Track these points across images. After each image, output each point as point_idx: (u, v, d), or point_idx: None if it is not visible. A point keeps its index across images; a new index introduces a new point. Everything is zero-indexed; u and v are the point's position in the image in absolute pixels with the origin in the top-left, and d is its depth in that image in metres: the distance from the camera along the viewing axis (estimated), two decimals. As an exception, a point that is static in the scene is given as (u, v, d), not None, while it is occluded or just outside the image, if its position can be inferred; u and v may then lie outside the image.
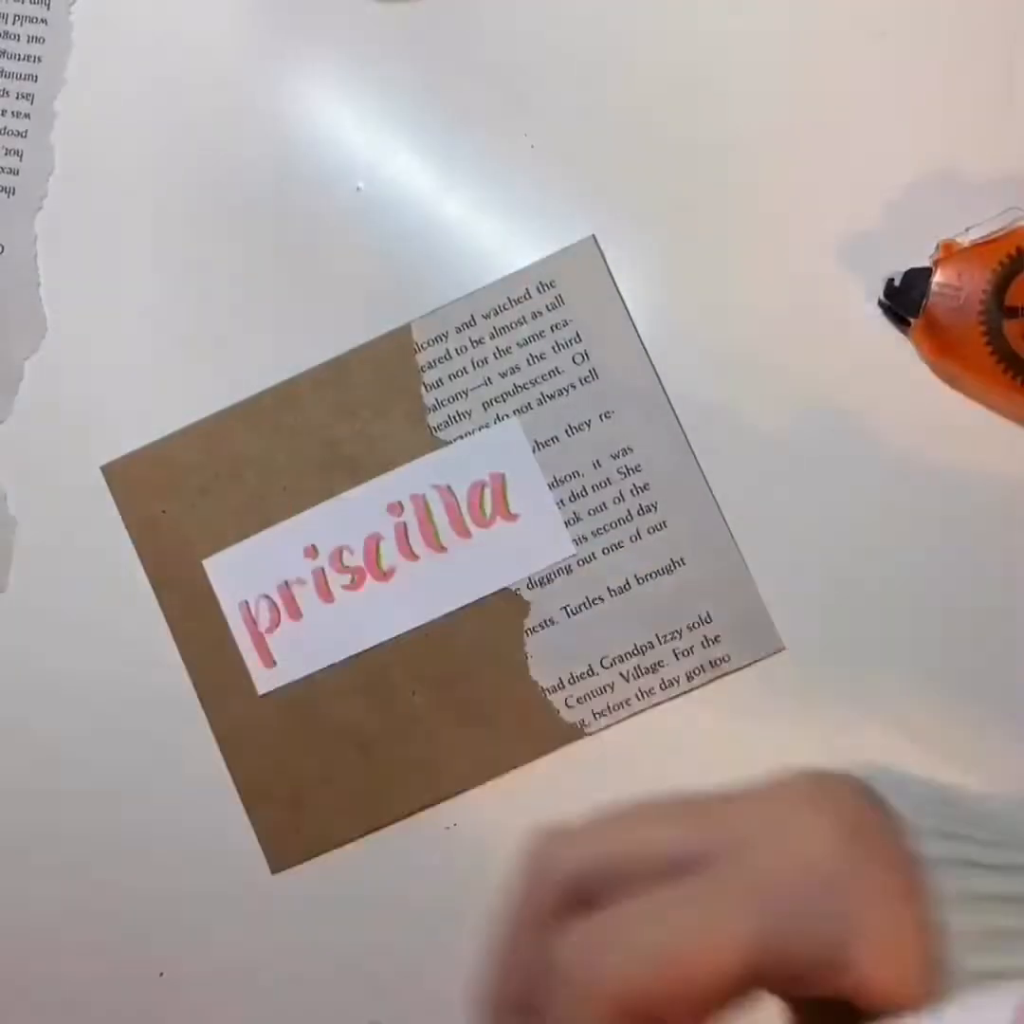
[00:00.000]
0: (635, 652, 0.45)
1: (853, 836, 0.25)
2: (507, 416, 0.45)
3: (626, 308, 0.45)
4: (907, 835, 0.25)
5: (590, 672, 0.45)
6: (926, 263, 0.43)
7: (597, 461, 0.45)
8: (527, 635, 0.45)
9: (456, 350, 0.45)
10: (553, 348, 0.45)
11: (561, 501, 0.45)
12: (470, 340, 0.45)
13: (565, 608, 0.45)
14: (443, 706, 0.45)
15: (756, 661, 0.45)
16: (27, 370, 0.47)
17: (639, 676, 0.45)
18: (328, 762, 0.46)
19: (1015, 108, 0.45)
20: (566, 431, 0.45)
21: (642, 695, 0.45)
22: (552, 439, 0.45)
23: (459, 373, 0.45)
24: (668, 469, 0.45)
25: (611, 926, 0.24)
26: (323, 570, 0.46)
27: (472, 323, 0.45)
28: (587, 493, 0.45)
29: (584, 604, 0.45)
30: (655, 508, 0.45)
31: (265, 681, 0.46)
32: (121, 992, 0.47)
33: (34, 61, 0.46)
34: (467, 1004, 0.26)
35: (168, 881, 0.46)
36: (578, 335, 0.45)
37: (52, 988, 0.47)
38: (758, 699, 0.45)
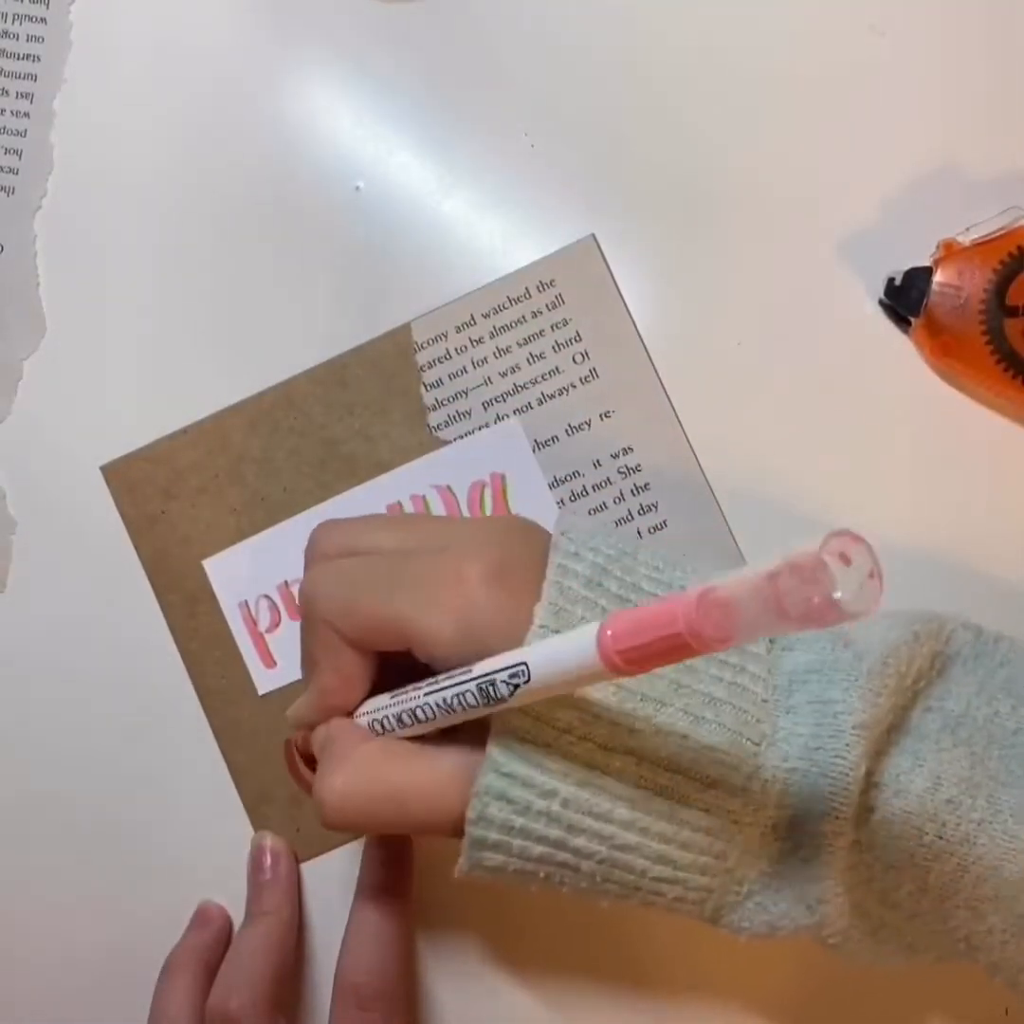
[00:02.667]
0: (635, 651, 0.45)
1: (500, 570, 0.33)
2: (507, 416, 0.45)
3: (626, 307, 0.45)
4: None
5: (590, 672, 0.45)
6: (926, 262, 0.43)
7: (597, 461, 0.45)
8: (527, 635, 0.45)
9: (456, 349, 0.45)
10: (553, 348, 0.45)
11: (561, 501, 0.45)
12: (470, 339, 0.45)
13: (565, 608, 0.45)
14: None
15: (756, 660, 0.45)
16: (27, 370, 0.47)
17: (639, 676, 0.45)
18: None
19: (1015, 108, 0.45)
20: (566, 431, 0.45)
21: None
22: (552, 439, 0.45)
23: (459, 372, 0.45)
24: (668, 469, 0.45)
25: (329, 571, 0.35)
26: (323, 570, 0.46)
27: (472, 322, 0.45)
28: (587, 493, 0.45)
29: (584, 604, 0.45)
30: (655, 508, 0.45)
31: (265, 681, 0.46)
32: (121, 992, 0.47)
33: (34, 61, 0.46)
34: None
35: (168, 881, 0.46)
36: (578, 334, 0.45)
37: (52, 987, 0.47)
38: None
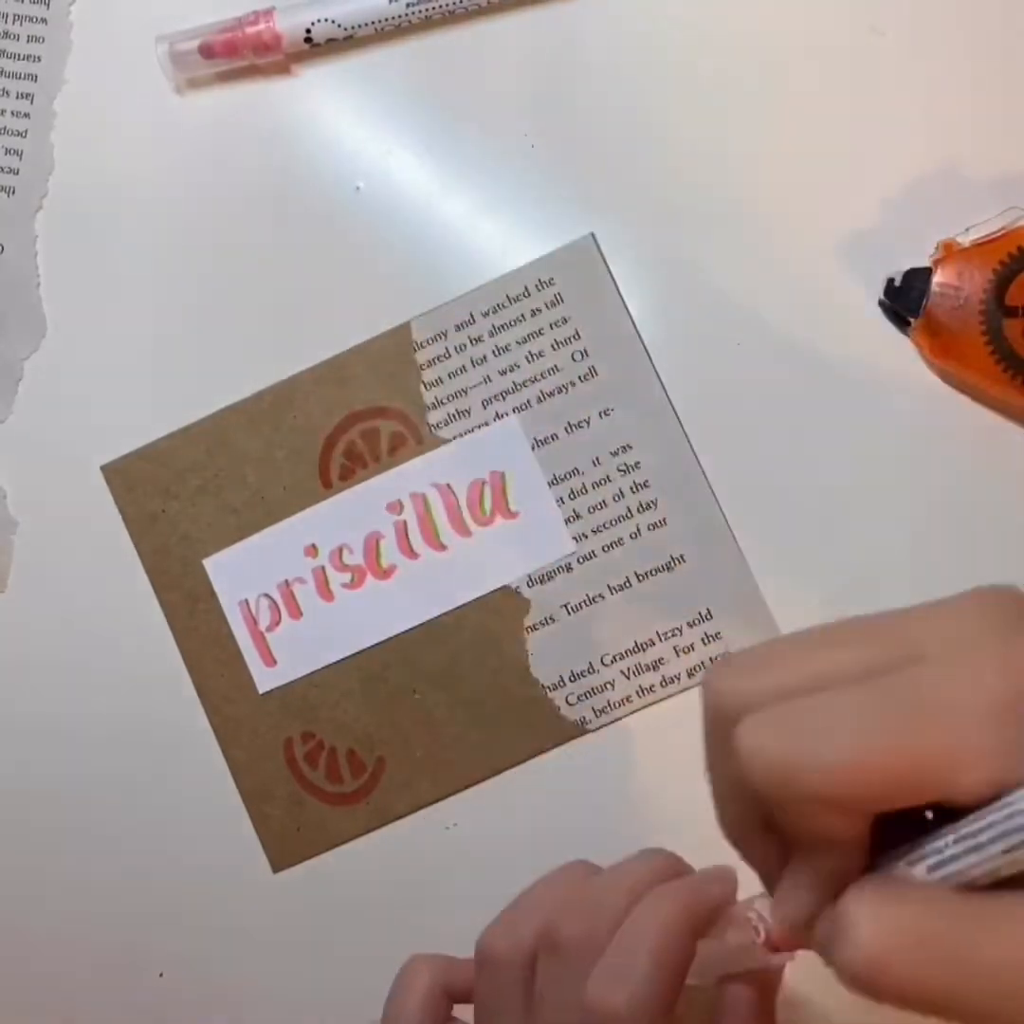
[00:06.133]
0: (636, 649, 0.45)
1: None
2: (506, 414, 0.45)
3: (625, 306, 0.45)
4: None
5: (591, 670, 0.45)
6: (926, 263, 0.43)
7: (597, 458, 0.45)
8: (527, 633, 0.45)
9: (455, 348, 0.45)
10: (552, 346, 0.45)
11: (561, 499, 0.45)
12: (469, 338, 0.45)
13: (565, 606, 0.45)
14: (443, 704, 0.45)
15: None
16: (27, 370, 0.47)
17: (640, 673, 0.45)
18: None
19: (1015, 108, 0.45)
20: (565, 429, 0.45)
21: (643, 692, 0.45)
22: (551, 437, 0.45)
23: (458, 371, 0.45)
24: (668, 466, 0.45)
25: (789, 722, 0.25)
26: (323, 569, 0.46)
27: (471, 321, 0.45)
28: (587, 490, 0.45)
29: (584, 602, 0.45)
30: (655, 505, 0.45)
31: (265, 680, 0.46)
32: (121, 992, 0.47)
33: (34, 61, 0.46)
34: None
35: (168, 881, 0.46)
36: (577, 333, 0.45)
37: (52, 988, 0.47)
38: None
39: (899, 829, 0.26)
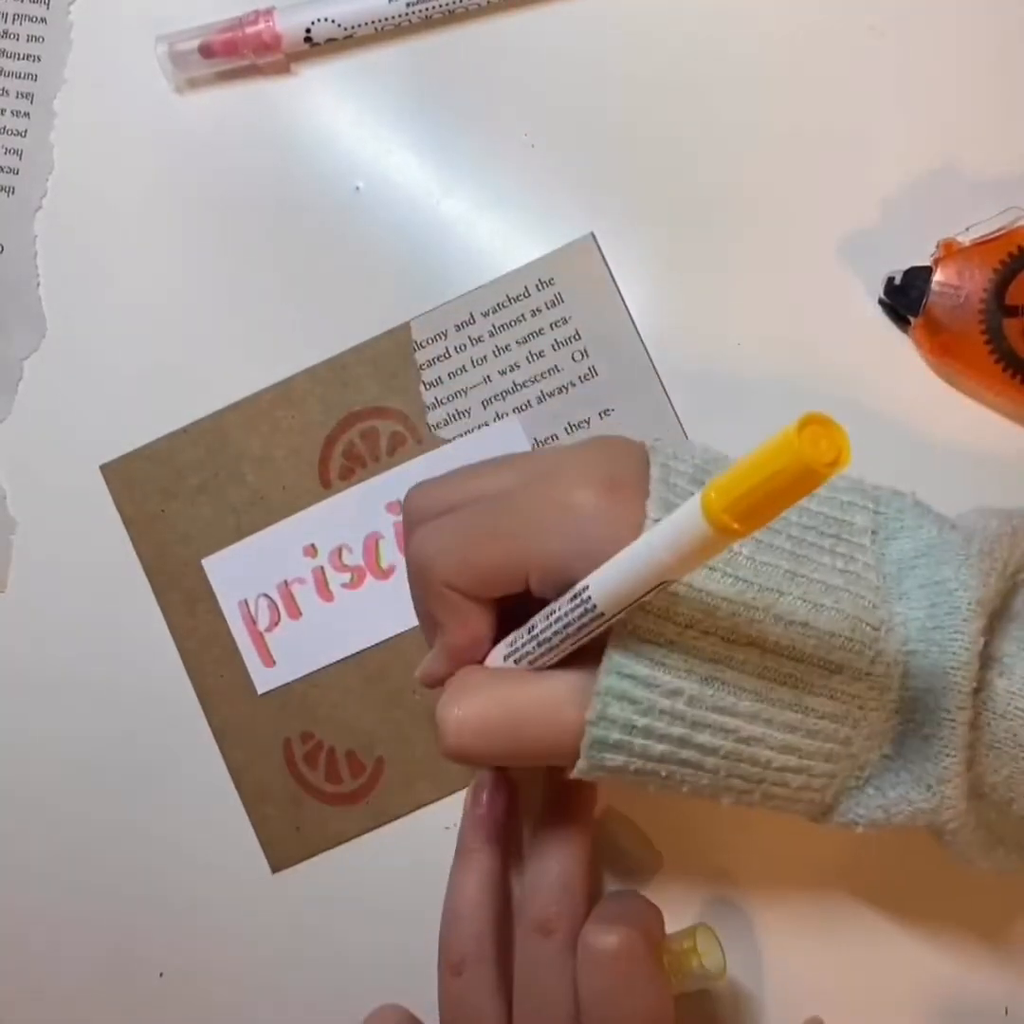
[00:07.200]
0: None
1: (610, 485, 0.33)
2: (507, 414, 0.45)
3: (626, 306, 0.45)
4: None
5: (590, 670, 0.45)
6: (926, 262, 0.43)
7: (596, 459, 0.45)
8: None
9: (455, 348, 0.45)
10: (552, 346, 0.45)
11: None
12: (469, 338, 0.45)
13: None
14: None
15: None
16: (27, 370, 0.47)
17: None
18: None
19: (1015, 108, 0.45)
20: (565, 429, 0.45)
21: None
22: (551, 437, 0.45)
23: (458, 371, 0.45)
24: (668, 467, 0.45)
25: (435, 531, 0.35)
26: (323, 569, 0.46)
27: (471, 321, 0.45)
28: (586, 490, 0.45)
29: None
30: (655, 505, 0.45)
31: (265, 680, 0.46)
32: (121, 992, 0.47)
33: (34, 61, 0.46)
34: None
35: (168, 881, 0.46)
36: (577, 333, 0.45)
37: (52, 988, 0.47)
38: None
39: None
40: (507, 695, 0.35)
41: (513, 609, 0.36)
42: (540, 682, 0.34)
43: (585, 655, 0.33)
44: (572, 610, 0.32)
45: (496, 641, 0.36)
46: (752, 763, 0.33)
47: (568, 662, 0.34)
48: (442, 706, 0.35)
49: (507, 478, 0.36)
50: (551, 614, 0.33)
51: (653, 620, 0.32)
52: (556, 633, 0.33)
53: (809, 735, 0.33)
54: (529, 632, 0.34)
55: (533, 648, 0.34)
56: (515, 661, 0.35)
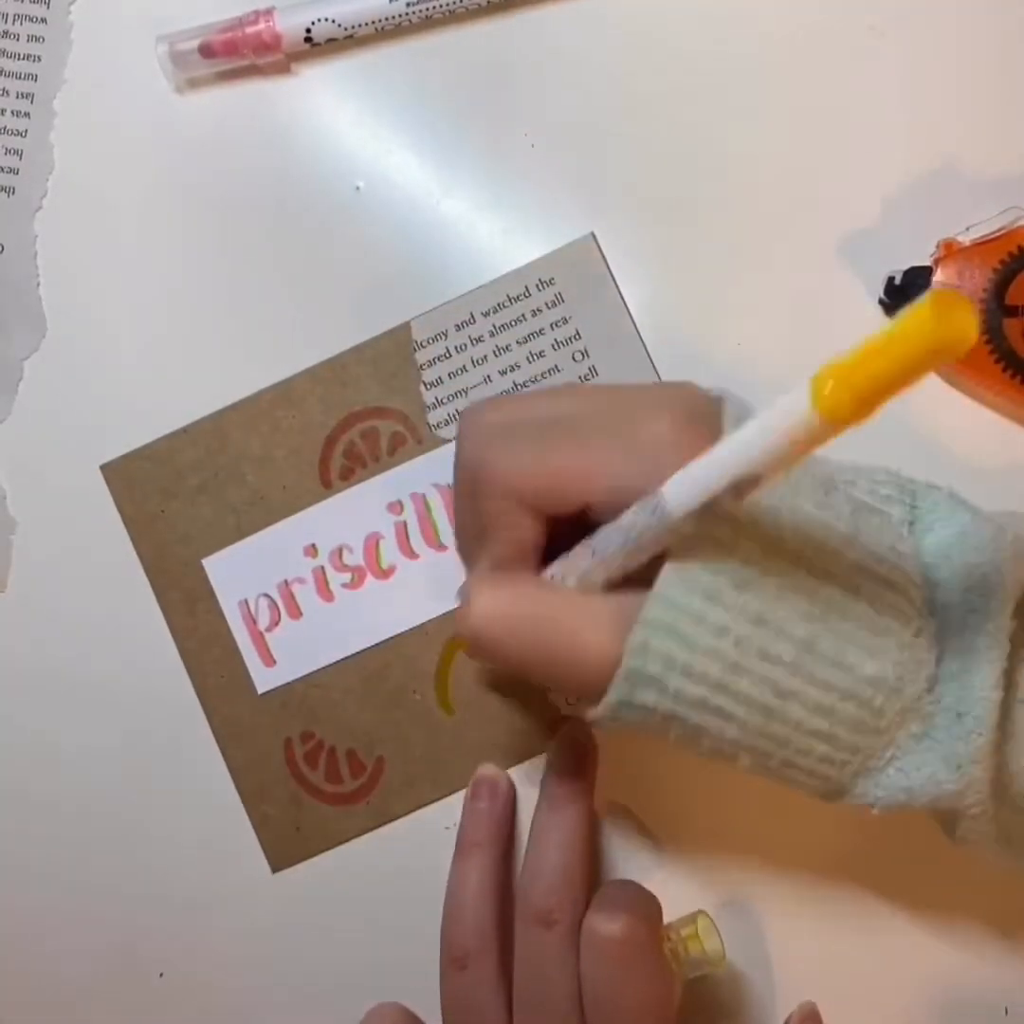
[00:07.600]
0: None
1: (689, 419, 0.33)
2: (507, 414, 0.45)
3: (626, 305, 0.45)
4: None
5: (590, 670, 0.45)
6: (927, 262, 0.43)
7: (597, 459, 0.45)
8: (527, 633, 0.45)
9: (455, 348, 0.45)
10: (552, 346, 0.45)
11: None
12: (469, 338, 0.45)
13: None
14: (443, 705, 0.45)
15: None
16: (27, 370, 0.47)
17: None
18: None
19: (1015, 108, 0.45)
20: (566, 429, 0.45)
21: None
22: (552, 437, 0.45)
23: (459, 371, 0.45)
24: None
25: (503, 433, 0.35)
26: (323, 569, 0.46)
27: (471, 321, 0.45)
28: (587, 490, 0.45)
29: (584, 602, 0.45)
30: (655, 505, 0.45)
31: (265, 680, 0.46)
32: (121, 992, 0.47)
33: (34, 61, 0.46)
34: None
35: (168, 881, 0.46)
36: (577, 333, 0.45)
37: (52, 988, 0.47)
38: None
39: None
40: (545, 598, 0.33)
41: (553, 551, 0.35)
42: (582, 598, 0.33)
43: (631, 591, 0.32)
44: (641, 517, 0.30)
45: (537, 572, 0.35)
46: (783, 721, 0.32)
47: (613, 592, 0.33)
48: (475, 581, 0.34)
49: (579, 402, 0.35)
50: (616, 525, 0.32)
51: (712, 548, 0.31)
52: (615, 545, 0.31)
53: (844, 697, 0.32)
54: (583, 546, 0.33)
55: (585, 563, 0.33)
56: (561, 579, 0.34)
